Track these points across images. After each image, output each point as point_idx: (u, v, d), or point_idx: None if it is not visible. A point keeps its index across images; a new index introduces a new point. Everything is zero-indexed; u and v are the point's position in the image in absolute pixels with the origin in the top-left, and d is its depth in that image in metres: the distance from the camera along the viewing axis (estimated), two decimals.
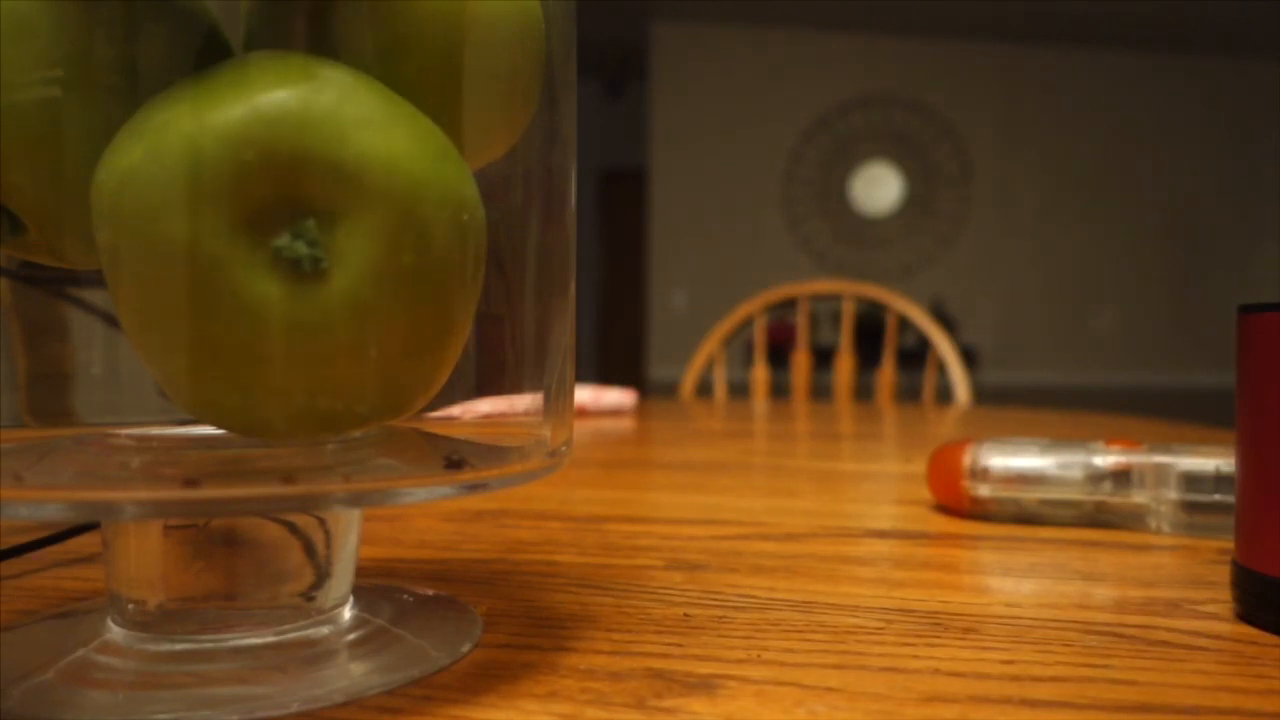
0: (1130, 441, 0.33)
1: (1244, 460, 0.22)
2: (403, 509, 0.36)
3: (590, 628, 0.21)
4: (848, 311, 1.31)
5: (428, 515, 0.35)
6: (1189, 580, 0.26)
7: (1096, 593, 0.25)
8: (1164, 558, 0.29)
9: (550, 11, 0.19)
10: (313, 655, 0.18)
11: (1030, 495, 0.33)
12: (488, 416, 0.18)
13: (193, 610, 0.18)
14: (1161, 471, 0.32)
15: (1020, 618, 0.22)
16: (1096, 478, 0.32)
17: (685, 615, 0.22)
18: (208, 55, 0.15)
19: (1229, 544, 0.31)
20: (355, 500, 0.16)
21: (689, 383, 1.30)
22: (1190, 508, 0.31)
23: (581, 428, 0.70)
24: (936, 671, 0.19)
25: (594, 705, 0.17)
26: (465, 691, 0.17)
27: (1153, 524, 0.32)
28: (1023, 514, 0.34)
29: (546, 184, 0.19)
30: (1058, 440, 0.34)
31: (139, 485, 0.15)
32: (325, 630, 0.19)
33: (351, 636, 0.19)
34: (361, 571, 0.26)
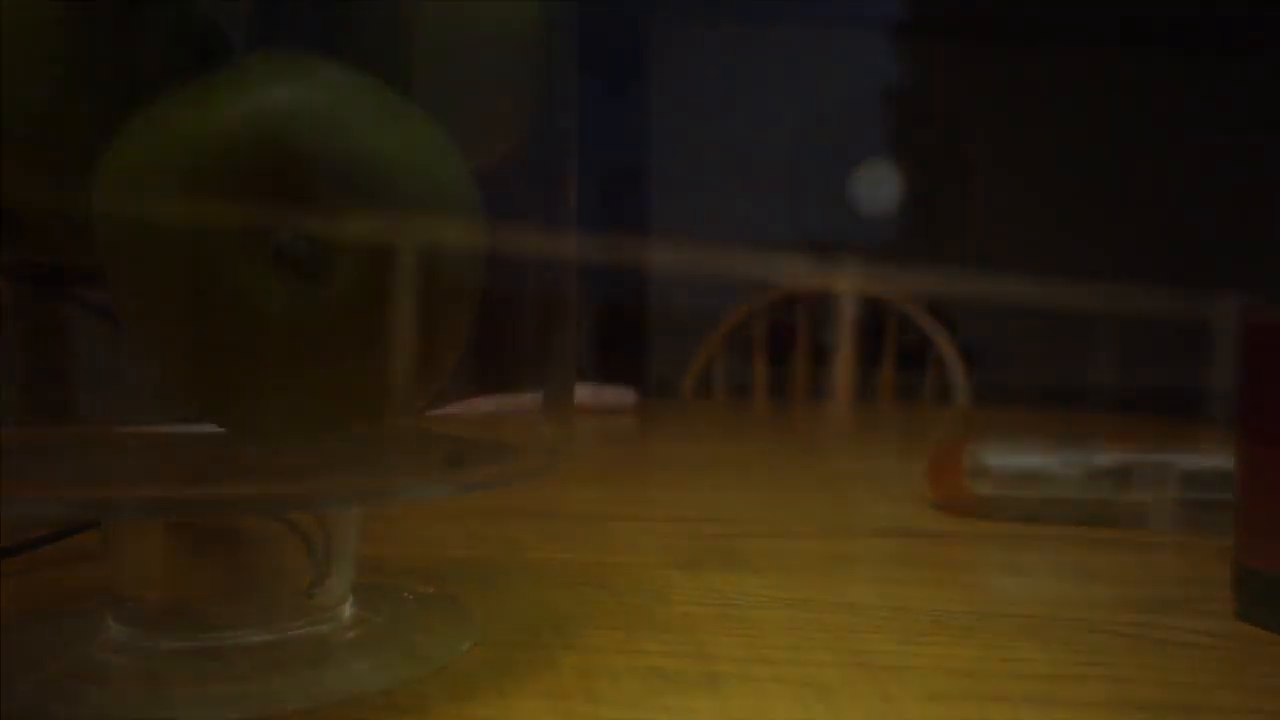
0: (1130, 440, 0.33)
1: (1244, 459, 0.22)
2: (403, 507, 0.36)
3: (590, 626, 0.21)
4: (848, 310, 1.31)
5: (428, 513, 0.35)
6: (1189, 578, 0.26)
7: (1096, 591, 0.25)
8: (1164, 556, 0.29)
9: (550, 11, 0.19)
10: (313, 654, 0.18)
11: (1030, 494, 0.33)
12: (488, 415, 0.18)
13: (193, 608, 0.18)
14: (1161, 470, 0.32)
15: (1020, 616, 0.22)
16: (1097, 476, 0.32)
17: (685, 613, 0.22)
18: (208, 55, 0.15)
19: (1229, 542, 0.31)
20: (355, 499, 0.16)
21: (689, 381, 1.29)
22: (1190, 506, 0.31)
23: (581, 426, 0.70)
24: (937, 669, 0.19)
25: (594, 703, 0.17)
26: (465, 690, 0.17)
27: (1153, 522, 0.32)
28: (1023, 512, 0.34)
29: (547, 184, 0.19)
30: (1058, 439, 0.34)
31: (139, 484, 0.15)
32: (325, 629, 0.19)
33: (351, 635, 0.19)
34: (361, 570, 0.26)
